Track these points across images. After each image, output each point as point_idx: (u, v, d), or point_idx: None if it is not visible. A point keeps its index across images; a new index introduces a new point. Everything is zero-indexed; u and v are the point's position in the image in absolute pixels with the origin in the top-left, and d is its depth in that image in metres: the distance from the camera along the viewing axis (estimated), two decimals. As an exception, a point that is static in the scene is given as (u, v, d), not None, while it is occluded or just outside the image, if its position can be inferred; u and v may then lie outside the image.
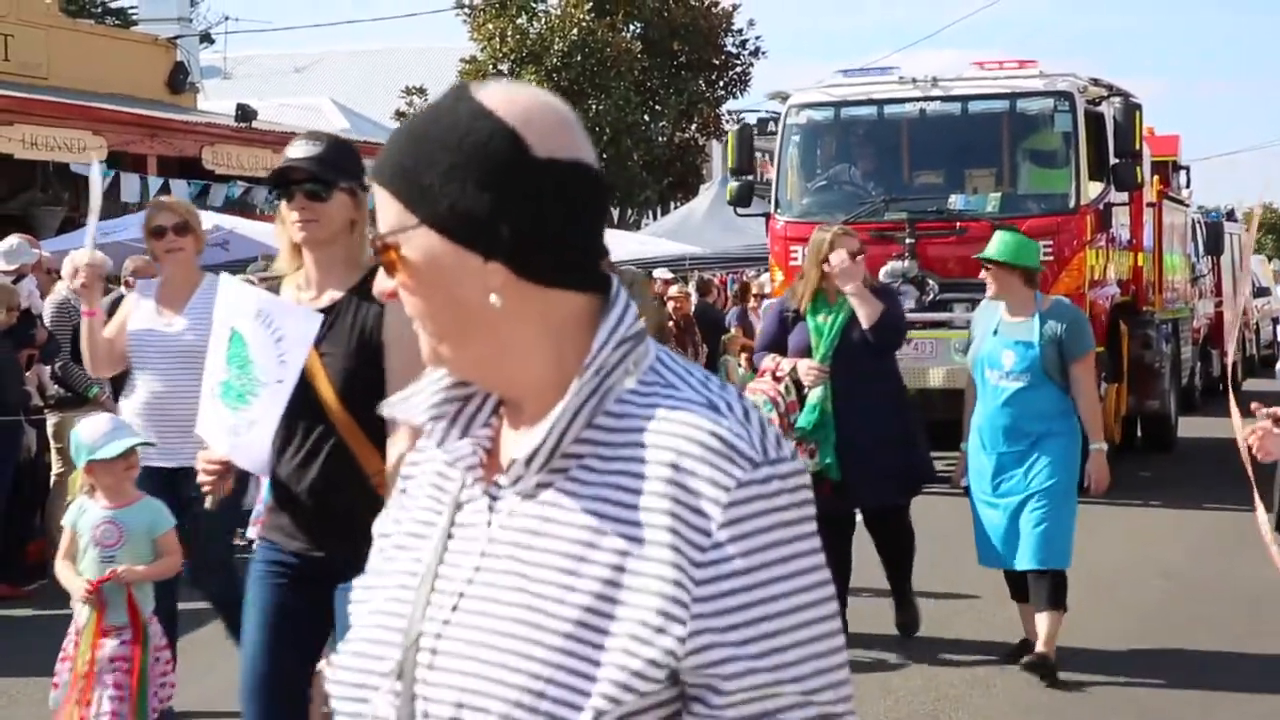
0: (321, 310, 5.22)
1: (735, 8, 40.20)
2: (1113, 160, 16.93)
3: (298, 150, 5.24)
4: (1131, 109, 16.82)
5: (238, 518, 9.67)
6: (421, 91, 38.63)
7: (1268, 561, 8.14)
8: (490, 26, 37.81)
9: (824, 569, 2.01)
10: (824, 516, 7.95)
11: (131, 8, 41.16)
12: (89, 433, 7.45)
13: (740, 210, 18.02)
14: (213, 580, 8.41)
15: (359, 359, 5.16)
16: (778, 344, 10.19)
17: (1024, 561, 9.28)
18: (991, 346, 9.36)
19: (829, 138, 17.70)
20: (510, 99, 2.06)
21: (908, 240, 16.48)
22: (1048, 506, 9.21)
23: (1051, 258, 16.19)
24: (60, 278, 11.62)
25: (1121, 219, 18.18)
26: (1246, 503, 8.42)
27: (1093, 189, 16.92)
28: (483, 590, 2.04)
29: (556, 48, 36.94)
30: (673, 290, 21.80)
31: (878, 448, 9.82)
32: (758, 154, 18.93)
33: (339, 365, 5.21)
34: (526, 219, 2.02)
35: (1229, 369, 10.28)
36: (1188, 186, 23.82)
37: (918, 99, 17.12)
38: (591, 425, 2.04)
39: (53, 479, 12.40)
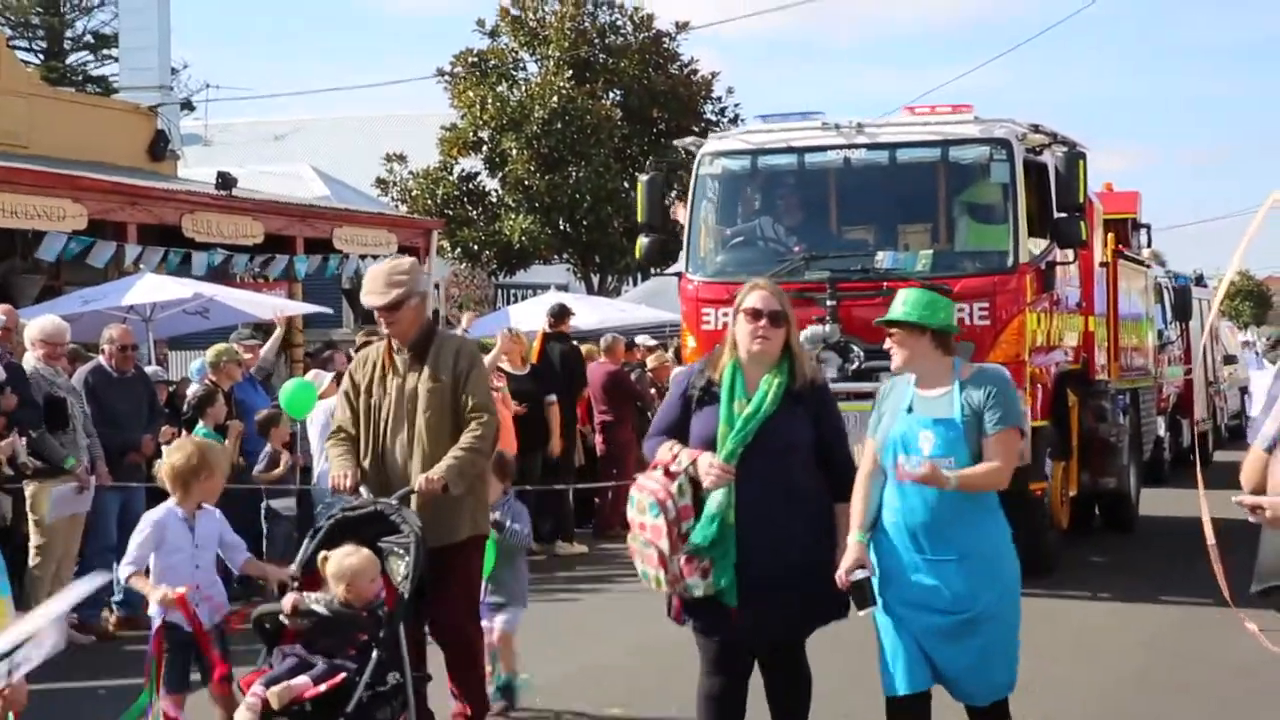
0: None
1: (714, 75, 37.75)
2: (1056, 214, 14.16)
3: None
4: (1074, 159, 14.05)
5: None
6: (402, 158, 36.11)
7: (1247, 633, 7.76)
8: (471, 94, 35.37)
9: None
10: (725, 645, 7.10)
11: (113, 76, 39.00)
12: None
13: (655, 271, 15.27)
14: None
15: None
16: (678, 428, 7.41)
17: (965, 697, 7.07)
18: (906, 427, 7.02)
19: (745, 189, 14.93)
20: None
21: (829, 302, 13.72)
22: (991, 634, 6.93)
23: (988, 322, 13.53)
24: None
25: (1070, 280, 15.39)
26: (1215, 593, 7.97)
27: (1035, 246, 14.16)
28: None
29: (537, 115, 34.49)
30: (651, 359, 20.49)
31: (785, 577, 7.16)
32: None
33: None
34: None
35: (1196, 440, 7.80)
36: (1148, 245, 20.87)
37: (842, 146, 14.35)
38: None
39: (31, 549, 11.86)
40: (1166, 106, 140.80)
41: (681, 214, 14.85)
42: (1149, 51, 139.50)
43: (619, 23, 36.72)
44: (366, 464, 8.47)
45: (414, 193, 35.62)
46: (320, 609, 7.65)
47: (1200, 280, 30.20)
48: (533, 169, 34.74)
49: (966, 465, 6.88)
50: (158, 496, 12.44)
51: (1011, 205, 13.87)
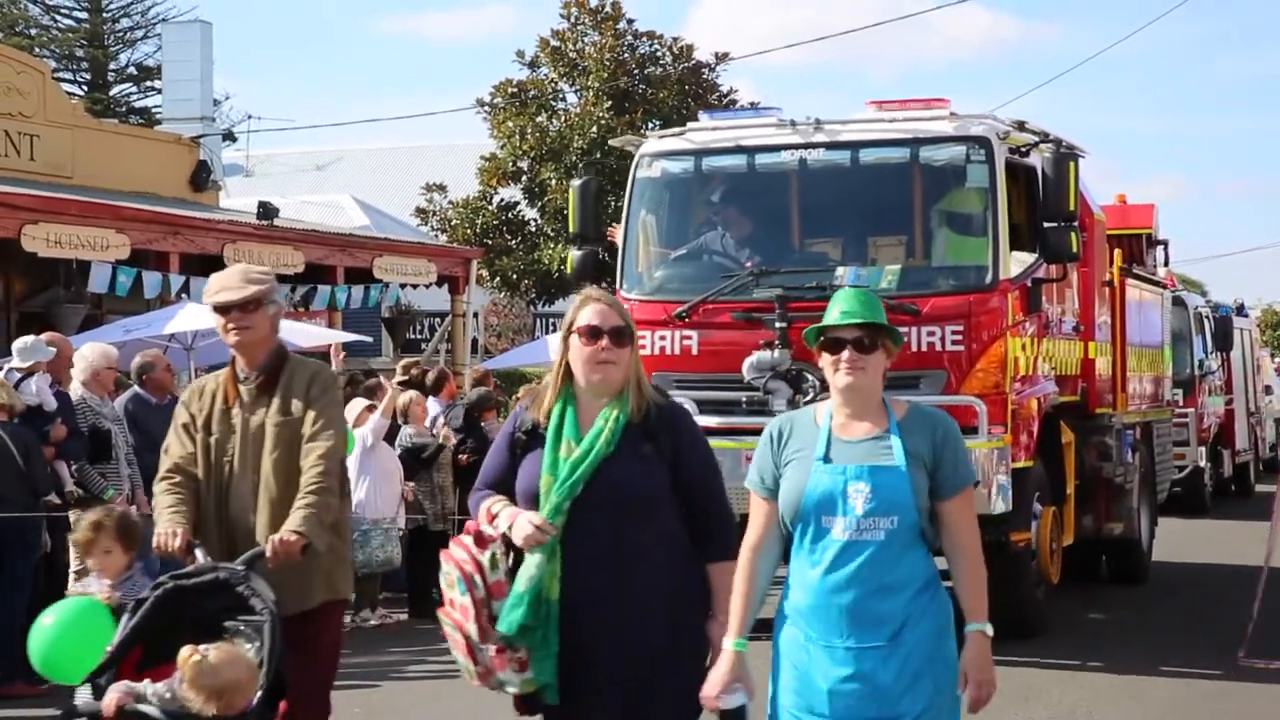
0: None
1: (754, 105, 35.06)
2: (1044, 224, 11.45)
3: None
4: (1064, 160, 11.31)
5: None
6: (441, 188, 34.01)
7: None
8: (510, 124, 32.98)
9: None
10: None
11: (156, 107, 37.22)
12: None
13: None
14: None
15: None
16: (506, 480, 5.38)
17: None
18: (829, 481, 4.95)
19: (689, 195, 12.25)
20: None
21: (778, 324, 11.02)
22: None
23: (962, 347, 10.86)
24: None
25: (1067, 300, 12.63)
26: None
27: (1019, 261, 11.44)
28: None
29: (576, 145, 32.22)
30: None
31: (626, 671, 5.16)
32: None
33: None
34: None
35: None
36: (1165, 265, 17.96)
37: (798, 146, 11.68)
38: None
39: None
40: (1209, 138, 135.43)
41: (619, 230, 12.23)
42: (1192, 83, 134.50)
43: (658, 53, 34.26)
44: (209, 517, 6.21)
45: (454, 222, 33.49)
46: (152, 711, 5.45)
47: (1241, 310, 27.63)
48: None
49: (912, 526, 4.92)
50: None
51: (991, 213, 11.19)
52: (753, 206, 12.01)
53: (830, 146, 11.62)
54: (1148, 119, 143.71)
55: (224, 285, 6.32)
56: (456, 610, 5.21)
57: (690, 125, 12.60)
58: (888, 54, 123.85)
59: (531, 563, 5.11)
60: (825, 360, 5.05)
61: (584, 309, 5.34)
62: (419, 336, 34.01)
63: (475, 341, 32.90)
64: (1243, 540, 16.67)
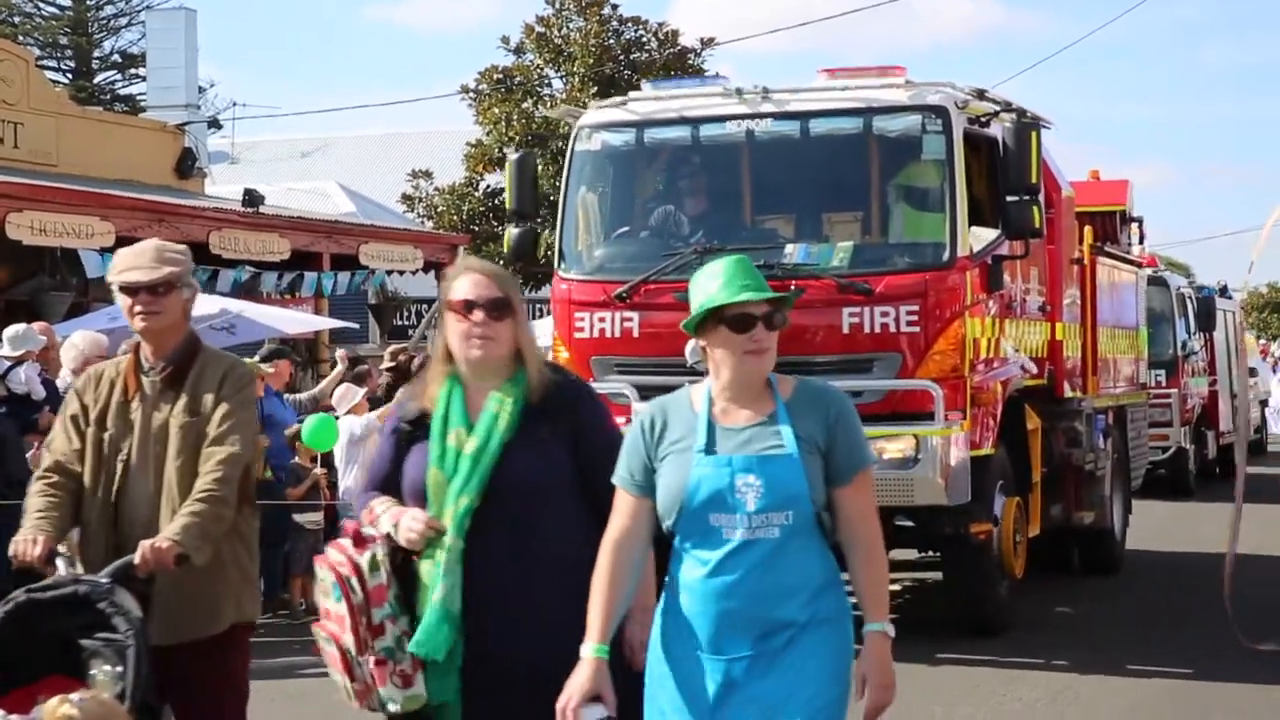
0: None
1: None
2: (1005, 198, 10.55)
3: None
4: (1025, 130, 10.41)
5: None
6: (427, 174, 33.10)
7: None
8: (496, 110, 32.02)
9: None
10: None
11: (140, 95, 36.56)
12: None
13: (527, 266, 11.89)
14: None
15: None
16: (393, 478, 4.79)
17: None
18: (714, 474, 4.25)
19: (630, 168, 11.35)
20: None
21: (724, 305, 10.09)
22: None
23: (918, 328, 9.97)
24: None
25: (1033, 279, 11.72)
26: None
27: (980, 237, 10.55)
28: None
29: (561, 130, 31.11)
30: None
31: (544, 683, 4.37)
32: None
33: None
34: None
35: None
36: (1140, 242, 17.04)
37: (744, 116, 10.80)
38: None
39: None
40: (1195, 125, 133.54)
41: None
42: (1178, 70, 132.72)
43: (643, 39, 33.27)
44: (93, 522, 5.38)
45: (440, 208, 32.60)
46: None
47: (1225, 291, 26.77)
48: (557, 185, 31.53)
49: (809, 521, 4.24)
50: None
51: (948, 186, 10.32)
52: (698, 181, 11.11)
53: (779, 117, 10.74)
54: (1133, 105, 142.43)
55: (134, 263, 5.42)
56: (332, 620, 4.58)
57: (632, 95, 11.74)
58: (871, 39, 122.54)
59: (438, 573, 4.50)
60: (727, 340, 4.25)
61: (457, 280, 4.71)
62: (406, 323, 33.30)
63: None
64: (1224, 524, 15.83)
